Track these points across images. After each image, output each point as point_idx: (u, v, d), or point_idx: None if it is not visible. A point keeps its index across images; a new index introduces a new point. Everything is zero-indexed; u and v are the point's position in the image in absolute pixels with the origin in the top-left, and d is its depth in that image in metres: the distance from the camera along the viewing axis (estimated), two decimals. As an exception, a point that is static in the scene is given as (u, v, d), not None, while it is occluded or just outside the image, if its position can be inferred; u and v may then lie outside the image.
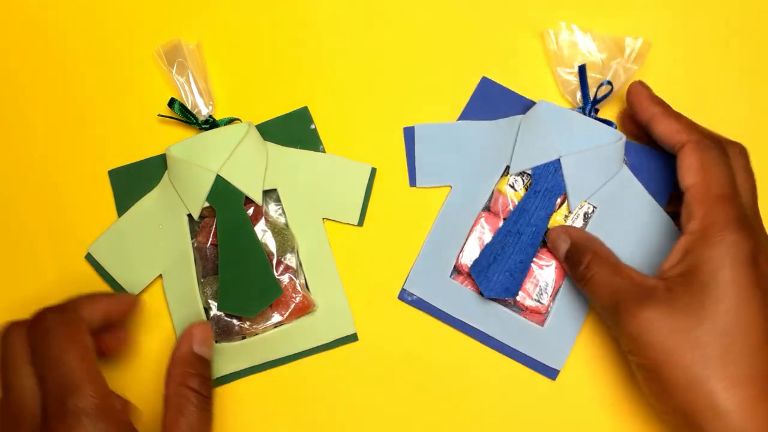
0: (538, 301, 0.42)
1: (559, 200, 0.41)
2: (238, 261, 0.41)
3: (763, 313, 0.33)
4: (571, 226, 0.41)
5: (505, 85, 0.45)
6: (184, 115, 0.44)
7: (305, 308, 0.42)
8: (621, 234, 0.42)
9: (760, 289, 0.33)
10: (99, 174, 0.45)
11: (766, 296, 0.33)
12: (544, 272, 0.42)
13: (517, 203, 0.42)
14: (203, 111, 0.45)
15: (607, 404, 0.42)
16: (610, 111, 0.44)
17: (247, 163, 0.42)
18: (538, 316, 0.42)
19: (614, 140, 0.41)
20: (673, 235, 0.41)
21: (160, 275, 0.43)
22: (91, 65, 0.47)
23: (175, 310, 0.43)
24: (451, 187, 0.44)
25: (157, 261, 0.43)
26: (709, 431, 0.32)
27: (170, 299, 0.43)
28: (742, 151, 0.38)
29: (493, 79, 0.45)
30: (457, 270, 0.44)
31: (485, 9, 0.46)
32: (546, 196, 0.41)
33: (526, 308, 0.42)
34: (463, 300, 0.43)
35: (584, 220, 0.42)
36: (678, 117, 0.39)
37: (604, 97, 0.42)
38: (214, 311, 0.42)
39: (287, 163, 0.43)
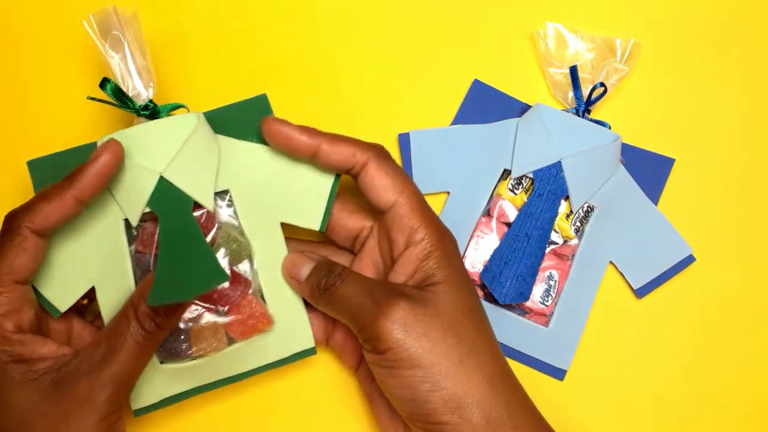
0: (543, 303, 0.42)
1: (561, 201, 0.42)
2: (179, 255, 0.35)
3: (470, 289, 0.37)
4: (309, 251, 0.39)
5: (496, 86, 0.45)
6: (119, 99, 0.38)
7: (262, 326, 0.38)
8: (619, 232, 0.43)
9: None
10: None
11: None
12: (549, 274, 0.42)
13: (519, 207, 0.42)
14: (142, 94, 0.38)
15: (617, 401, 0.43)
16: (602, 111, 0.45)
17: (197, 162, 0.36)
18: (543, 317, 0.43)
19: (611, 141, 0.41)
20: (667, 232, 0.43)
21: (94, 288, 0.37)
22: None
23: None
24: (449, 192, 0.43)
25: (89, 272, 0.37)
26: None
27: (106, 316, 0.37)
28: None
29: (484, 82, 0.45)
30: (459, 276, 0.43)
31: (474, 11, 0.46)
32: (550, 198, 0.41)
33: (531, 310, 0.42)
34: (467, 306, 0.42)
35: (584, 220, 0.42)
36: (343, 138, 0.37)
37: (598, 98, 0.43)
38: None
39: (241, 160, 0.38)
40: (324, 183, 0.38)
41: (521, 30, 0.45)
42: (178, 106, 0.39)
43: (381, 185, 0.36)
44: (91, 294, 0.38)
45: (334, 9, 0.46)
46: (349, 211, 0.39)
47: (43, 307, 0.37)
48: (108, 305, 0.37)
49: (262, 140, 0.38)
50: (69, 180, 0.35)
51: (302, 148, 0.37)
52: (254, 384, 0.42)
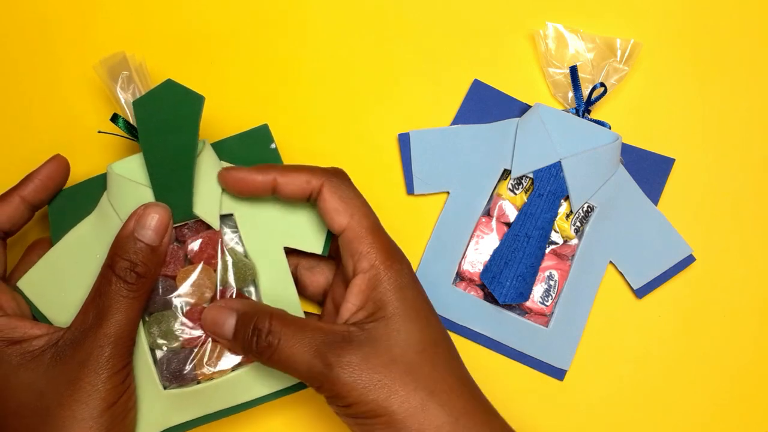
0: (543, 303, 0.42)
1: (561, 201, 0.42)
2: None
3: (423, 321, 0.35)
4: (228, 299, 0.37)
5: (496, 86, 0.45)
6: (130, 132, 0.39)
7: None
8: (619, 232, 0.43)
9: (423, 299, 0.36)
10: None
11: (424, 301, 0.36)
12: (549, 274, 0.42)
13: (519, 207, 0.42)
14: None
15: (617, 401, 0.43)
16: (602, 111, 0.45)
17: (202, 185, 0.37)
18: (543, 317, 0.43)
19: (611, 141, 0.41)
20: (667, 232, 0.43)
21: None
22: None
23: None
24: (449, 192, 0.43)
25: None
26: None
27: None
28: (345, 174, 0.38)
29: (484, 82, 0.45)
30: (459, 276, 0.43)
31: (474, 11, 0.46)
32: (550, 198, 0.41)
33: (531, 310, 0.42)
34: (467, 306, 0.42)
35: (584, 220, 0.42)
36: (297, 167, 0.37)
37: (598, 98, 0.43)
38: (161, 353, 0.37)
39: None
40: None
41: (521, 30, 0.45)
42: None
43: (333, 209, 0.36)
44: None
45: (334, 9, 0.46)
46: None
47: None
48: None
49: None
50: (17, 184, 0.38)
51: (259, 187, 0.36)
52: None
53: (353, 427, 0.35)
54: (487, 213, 0.43)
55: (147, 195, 0.37)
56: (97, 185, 0.39)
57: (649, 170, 0.44)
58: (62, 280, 0.38)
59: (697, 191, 0.44)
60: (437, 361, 0.34)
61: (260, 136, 0.40)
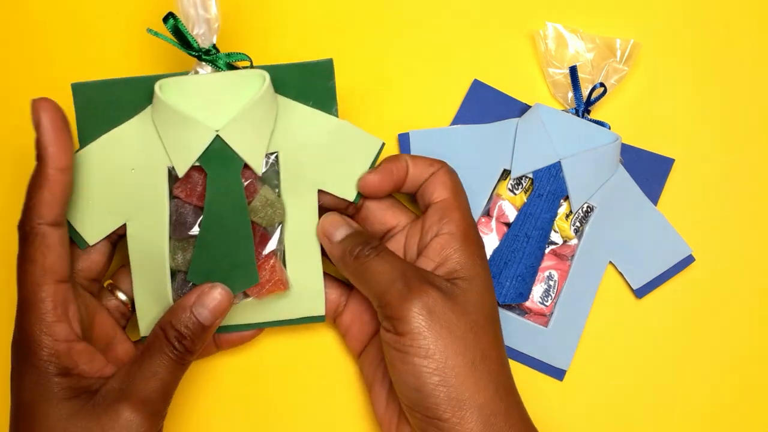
0: (542, 303, 0.42)
1: (561, 201, 0.42)
2: (222, 234, 0.36)
3: (493, 293, 0.38)
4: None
5: (496, 86, 0.45)
6: (180, 38, 0.35)
7: (278, 290, 0.38)
8: (619, 232, 0.43)
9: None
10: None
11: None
12: (549, 274, 0.42)
13: (519, 207, 0.42)
14: (207, 37, 0.36)
15: (617, 401, 0.43)
16: (602, 111, 0.45)
17: (255, 125, 0.35)
18: (542, 317, 0.43)
19: (611, 141, 0.41)
20: (667, 232, 0.43)
21: (124, 225, 0.37)
22: None
23: (136, 270, 0.37)
24: (449, 192, 0.43)
25: (124, 208, 0.36)
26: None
27: (133, 256, 0.37)
28: None
29: (484, 82, 0.45)
30: (459, 276, 0.43)
31: (474, 11, 0.46)
32: (549, 198, 0.41)
33: (530, 310, 0.43)
34: (467, 306, 0.42)
35: (584, 220, 0.42)
36: (420, 156, 0.40)
37: (598, 98, 0.43)
38: (180, 277, 0.38)
39: (294, 124, 0.37)
40: (367, 154, 0.39)
41: (521, 30, 0.46)
42: (242, 57, 0.37)
43: (442, 182, 0.38)
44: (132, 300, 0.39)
45: (334, 9, 0.46)
46: (387, 205, 0.40)
47: (72, 239, 0.36)
48: (136, 242, 0.37)
49: (319, 104, 0.38)
50: (39, 159, 0.34)
51: (399, 181, 0.39)
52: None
53: (398, 364, 0.34)
54: (487, 213, 0.43)
55: (194, 127, 0.35)
56: (136, 89, 0.36)
57: (649, 170, 0.44)
58: (89, 183, 0.36)
59: (697, 191, 0.44)
60: (497, 332, 0.36)
61: (322, 70, 0.38)
